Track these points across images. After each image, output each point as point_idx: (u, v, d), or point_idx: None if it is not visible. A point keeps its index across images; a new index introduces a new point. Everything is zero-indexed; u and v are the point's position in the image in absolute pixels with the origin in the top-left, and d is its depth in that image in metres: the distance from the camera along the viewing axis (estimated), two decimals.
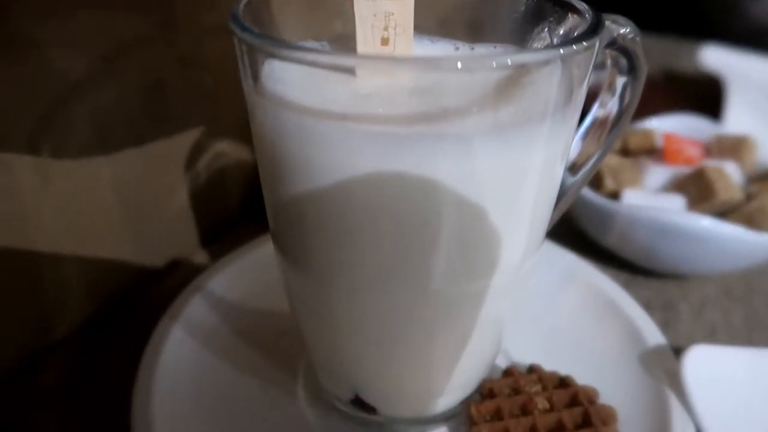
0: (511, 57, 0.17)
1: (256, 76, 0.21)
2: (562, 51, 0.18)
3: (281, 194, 0.23)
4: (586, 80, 0.23)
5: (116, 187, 0.37)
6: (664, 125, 0.48)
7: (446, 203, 0.21)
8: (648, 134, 0.46)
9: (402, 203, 0.21)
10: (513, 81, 0.20)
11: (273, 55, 0.19)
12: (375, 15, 0.21)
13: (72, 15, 0.31)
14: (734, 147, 0.45)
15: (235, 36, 0.20)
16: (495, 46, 0.26)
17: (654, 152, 0.46)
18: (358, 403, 0.28)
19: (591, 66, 0.23)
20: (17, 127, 0.31)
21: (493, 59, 0.17)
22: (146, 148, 0.38)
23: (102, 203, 0.36)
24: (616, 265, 0.44)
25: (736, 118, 0.58)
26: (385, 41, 0.22)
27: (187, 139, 0.41)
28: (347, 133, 0.19)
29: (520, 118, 0.20)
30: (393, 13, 0.21)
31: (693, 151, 0.44)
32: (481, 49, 0.25)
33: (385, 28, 0.22)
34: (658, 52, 0.80)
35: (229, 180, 0.46)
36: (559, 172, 0.25)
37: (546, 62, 0.19)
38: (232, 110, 0.44)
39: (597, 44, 0.21)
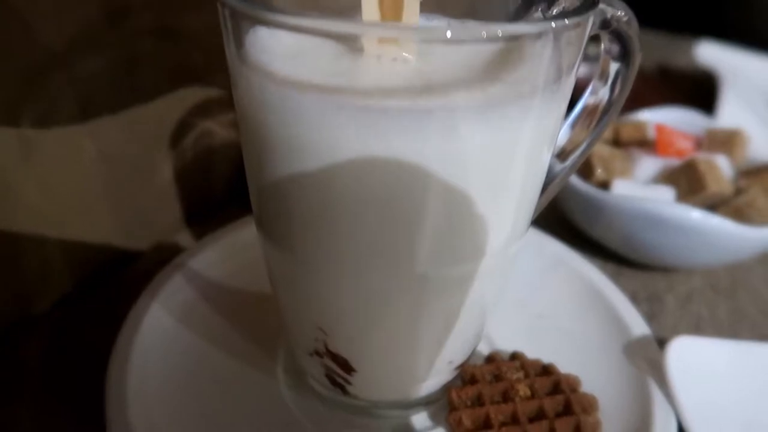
0: (502, 28, 0.17)
1: (240, 44, 0.20)
2: (553, 24, 0.18)
3: (264, 170, 0.23)
4: (578, 59, 0.22)
5: (99, 162, 0.36)
6: (656, 117, 0.48)
7: (432, 182, 0.20)
8: (640, 126, 0.46)
9: (387, 182, 0.20)
10: (504, 54, 0.19)
11: (258, 21, 0.19)
12: None
13: None
14: (726, 141, 0.45)
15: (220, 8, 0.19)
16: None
17: (645, 144, 0.45)
18: (338, 385, 0.28)
19: (583, 45, 0.22)
20: None
21: (484, 29, 0.16)
22: (131, 125, 0.37)
23: (84, 179, 0.36)
24: (603, 256, 0.44)
25: (730, 114, 0.58)
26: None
27: (173, 116, 0.41)
28: (333, 106, 0.19)
29: (509, 93, 0.19)
30: None
31: (684, 144, 0.43)
32: (473, 23, 0.25)
33: None
34: (652, 47, 0.80)
35: (215, 159, 0.45)
36: (546, 155, 0.25)
37: (537, 35, 0.18)
38: (220, 88, 0.43)
39: (590, 21, 0.20)
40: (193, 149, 0.43)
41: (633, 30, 0.25)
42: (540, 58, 0.19)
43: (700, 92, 0.67)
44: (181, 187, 0.43)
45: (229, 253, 0.36)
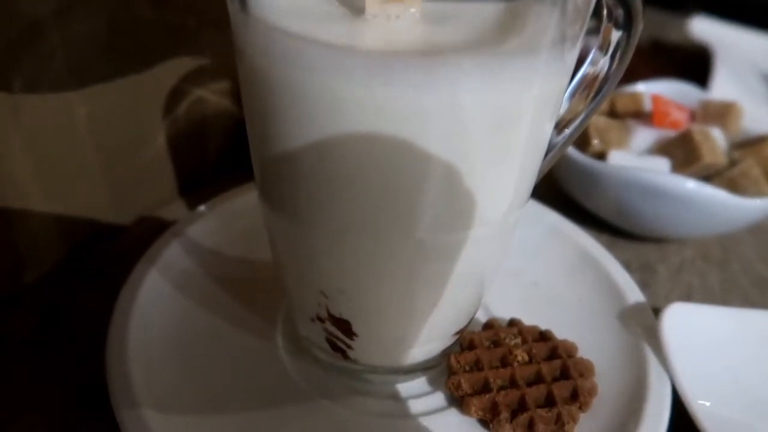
0: None
1: (244, 3, 0.20)
2: None
3: (268, 134, 0.23)
4: (583, 28, 0.22)
5: (91, 127, 0.35)
6: (651, 89, 0.48)
7: (435, 145, 0.20)
8: (636, 97, 0.46)
9: (389, 143, 0.20)
10: (511, 16, 0.19)
11: None
12: None
13: None
14: (720, 113, 0.45)
15: None
16: None
17: (641, 115, 0.45)
18: (339, 350, 0.28)
19: (589, 12, 0.22)
20: None
21: None
22: (124, 90, 0.37)
23: (75, 145, 0.35)
24: (597, 227, 0.44)
25: (723, 87, 0.58)
26: None
27: (166, 82, 0.40)
28: (340, 60, 0.18)
29: (515, 54, 0.19)
30: None
31: (679, 115, 0.43)
32: None
33: None
34: (647, 22, 0.79)
35: (209, 127, 0.44)
36: (549, 124, 0.25)
37: None
38: (214, 54, 0.42)
39: None
40: (185, 117, 0.42)
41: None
42: (547, 20, 0.19)
43: (694, 66, 0.67)
44: (173, 155, 0.42)
45: (227, 220, 0.36)
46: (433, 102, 0.19)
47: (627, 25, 0.27)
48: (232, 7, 0.21)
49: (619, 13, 0.26)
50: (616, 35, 0.27)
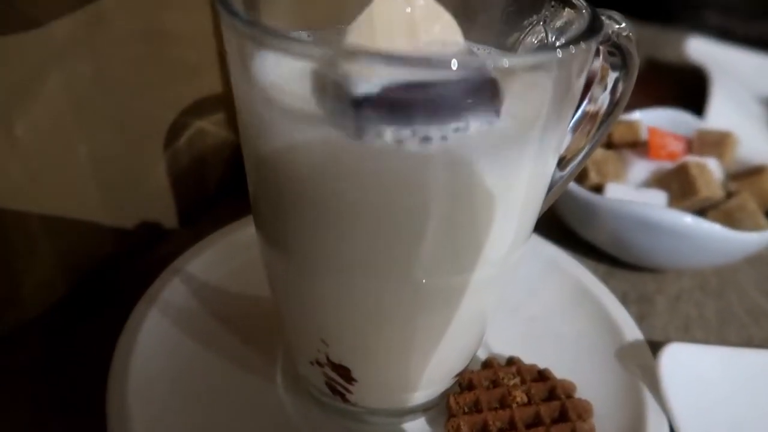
0: (509, 60, 0.17)
1: (246, 66, 0.20)
2: (560, 54, 0.18)
3: (262, 175, 0.23)
4: (583, 78, 0.22)
5: (92, 164, 0.36)
6: (648, 117, 0.48)
7: (434, 200, 0.21)
8: (633, 126, 0.46)
9: (387, 198, 0.20)
10: (509, 81, 0.19)
11: (267, 47, 0.18)
12: None
13: None
14: (716, 142, 0.45)
15: (222, 20, 0.19)
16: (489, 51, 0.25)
17: (638, 144, 0.46)
18: (338, 393, 0.28)
19: (588, 64, 0.22)
20: None
21: (490, 61, 0.16)
22: (124, 126, 0.37)
23: (77, 182, 0.35)
24: (595, 256, 0.44)
25: (719, 112, 0.59)
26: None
27: (167, 115, 0.40)
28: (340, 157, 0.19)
29: (514, 120, 0.19)
30: None
31: (676, 146, 0.44)
32: (476, 49, 0.25)
33: None
34: (641, 41, 0.80)
35: (209, 157, 0.45)
36: (550, 168, 0.25)
37: (542, 65, 0.18)
38: (214, 86, 0.43)
39: (594, 45, 0.20)
40: (186, 149, 0.42)
41: (633, 44, 0.26)
42: (546, 82, 0.19)
43: (690, 86, 0.68)
44: (175, 186, 0.43)
45: (226, 256, 0.36)
46: (429, 173, 0.19)
47: (623, 68, 0.27)
48: (234, 68, 0.21)
49: (615, 60, 0.27)
50: (613, 74, 0.28)
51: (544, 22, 0.26)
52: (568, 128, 0.29)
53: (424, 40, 0.20)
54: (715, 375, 0.30)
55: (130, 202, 0.40)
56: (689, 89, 0.68)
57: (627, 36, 0.25)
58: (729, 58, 0.75)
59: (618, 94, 0.28)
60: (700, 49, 0.76)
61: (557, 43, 0.25)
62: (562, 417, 0.29)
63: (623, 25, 0.25)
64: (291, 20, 0.25)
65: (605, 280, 0.37)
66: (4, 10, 0.28)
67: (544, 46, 0.25)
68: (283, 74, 0.19)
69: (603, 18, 0.23)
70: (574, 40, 0.19)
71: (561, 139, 0.23)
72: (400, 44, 0.19)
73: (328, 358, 0.26)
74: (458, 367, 0.29)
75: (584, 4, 0.23)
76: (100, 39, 0.33)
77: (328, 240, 0.22)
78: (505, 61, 0.17)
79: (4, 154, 0.31)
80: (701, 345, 0.31)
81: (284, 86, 0.19)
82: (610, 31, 0.24)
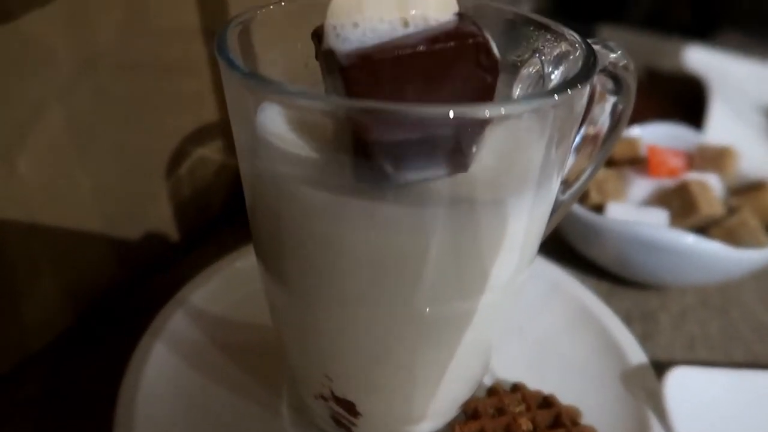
0: (504, 107, 0.17)
1: (246, 116, 0.20)
2: (556, 97, 0.18)
3: (264, 220, 0.23)
4: (582, 110, 0.22)
5: (95, 196, 0.36)
6: (647, 133, 0.49)
7: (436, 237, 0.21)
8: (632, 143, 0.46)
9: (389, 239, 0.20)
10: (504, 123, 0.19)
11: (267, 99, 0.18)
12: None
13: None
14: (716, 157, 0.45)
15: (223, 71, 0.19)
16: None
17: (638, 161, 0.46)
18: (343, 426, 0.28)
19: (585, 98, 0.22)
20: None
21: (484, 109, 0.17)
22: (126, 157, 0.37)
23: (80, 214, 0.35)
24: (598, 274, 0.44)
25: (719, 124, 0.59)
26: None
27: (168, 144, 0.41)
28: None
29: (514, 170, 0.20)
30: None
31: (676, 162, 0.44)
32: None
33: None
34: (640, 51, 0.80)
35: (211, 186, 0.45)
36: (552, 194, 0.25)
37: (539, 110, 0.19)
38: (214, 115, 0.43)
39: (590, 84, 0.20)
40: (188, 177, 0.43)
41: (630, 74, 0.26)
42: (541, 128, 0.19)
43: (689, 95, 0.68)
44: (178, 214, 0.43)
45: (230, 285, 0.36)
46: (427, 221, 0.19)
47: (620, 93, 0.27)
48: (235, 120, 0.21)
49: (611, 87, 0.27)
50: (611, 98, 0.28)
51: (539, 54, 0.26)
52: (572, 150, 0.29)
53: (412, 14, 0.19)
54: (721, 398, 0.30)
55: (133, 232, 0.40)
56: (688, 98, 0.68)
57: (624, 66, 0.25)
58: (728, 67, 0.75)
59: (617, 116, 0.28)
60: (699, 57, 0.77)
61: (552, 75, 0.25)
62: None
63: (619, 53, 0.25)
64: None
65: (608, 297, 0.37)
66: (5, 47, 0.29)
67: (540, 78, 0.25)
68: (282, 123, 0.19)
69: (598, 47, 0.24)
70: (570, 83, 0.19)
71: (564, 165, 0.23)
72: (387, 14, 0.19)
73: (332, 393, 0.26)
74: (464, 397, 0.29)
75: (578, 39, 0.23)
76: (100, 72, 0.34)
77: (329, 276, 0.22)
78: (501, 109, 0.17)
79: (7, 190, 0.31)
80: (706, 368, 0.31)
81: (284, 134, 0.19)
82: (606, 62, 0.24)
